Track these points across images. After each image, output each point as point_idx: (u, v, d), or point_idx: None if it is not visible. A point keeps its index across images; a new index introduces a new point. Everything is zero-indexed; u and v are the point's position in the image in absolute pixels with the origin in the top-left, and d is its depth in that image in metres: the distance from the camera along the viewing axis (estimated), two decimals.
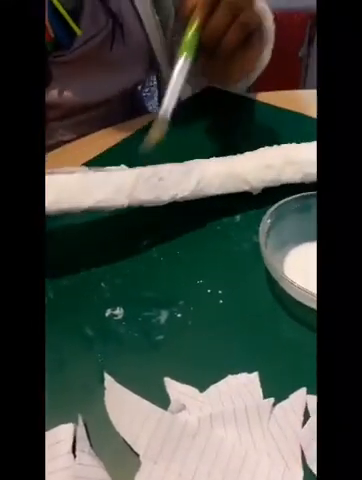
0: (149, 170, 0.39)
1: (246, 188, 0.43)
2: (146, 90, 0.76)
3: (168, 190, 0.40)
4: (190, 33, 0.39)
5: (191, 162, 0.42)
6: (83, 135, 0.56)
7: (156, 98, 0.71)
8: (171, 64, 0.58)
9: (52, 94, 0.54)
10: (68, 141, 0.56)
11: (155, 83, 0.73)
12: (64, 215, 0.38)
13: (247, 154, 0.44)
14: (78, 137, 0.56)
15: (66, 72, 0.53)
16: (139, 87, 0.71)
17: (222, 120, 0.58)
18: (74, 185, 0.37)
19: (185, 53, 0.39)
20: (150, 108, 0.75)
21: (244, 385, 0.32)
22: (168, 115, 0.39)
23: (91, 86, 0.56)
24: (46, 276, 0.39)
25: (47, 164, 0.44)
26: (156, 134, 0.39)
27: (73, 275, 0.40)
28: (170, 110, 0.39)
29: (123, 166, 0.41)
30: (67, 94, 0.55)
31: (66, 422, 0.30)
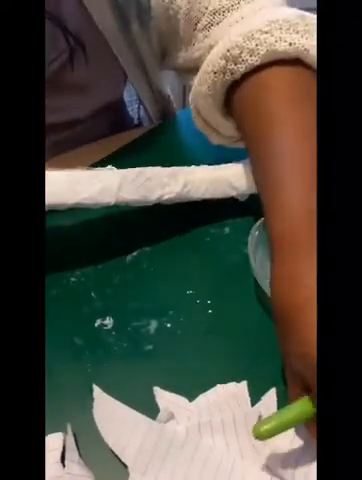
0: (136, 171, 0.40)
1: (233, 193, 0.43)
2: (130, 108, 0.76)
3: (154, 191, 0.40)
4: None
5: (178, 167, 0.43)
6: (62, 153, 0.55)
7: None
8: (144, 79, 0.55)
9: None
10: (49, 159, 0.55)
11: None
12: (55, 222, 0.38)
13: (235, 162, 0.45)
14: (58, 156, 0.55)
15: None
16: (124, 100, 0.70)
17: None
18: (61, 182, 0.37)
19: None
20: (136, 117, 0.74)
21: (233, 394, 0.33)
22: None
23: (58, 108, 0.54)
24: None
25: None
26: None
27: (63, 284, 0.40)
28: None
29: (110, 166, 0.41)
30: None
31: (55, 431, 0.30)
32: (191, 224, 0.44)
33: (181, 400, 0.32)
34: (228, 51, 0.36)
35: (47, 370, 0.33)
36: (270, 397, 0.32)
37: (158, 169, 0.41)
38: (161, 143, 0.56)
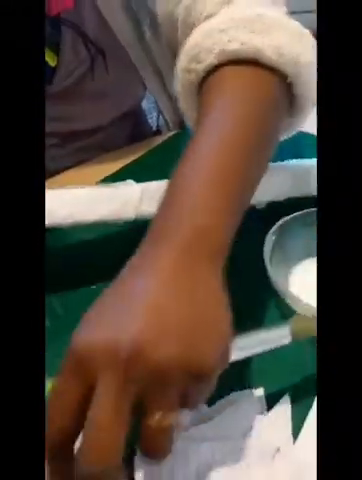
0: (155, 184, 0.40)
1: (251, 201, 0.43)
2: (149, 116, 0.76)
3: None
4: None
5: None
6: (83, 161, 0.56)
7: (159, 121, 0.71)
8: (162, 87, 0.56)
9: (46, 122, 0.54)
10: (68, 167, 0.55)
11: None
12: (75, 229, 0.39)
13: None
14: (78, 164, 0.56)
15: (51, 103, 0.54)
16: (143, 107, 0.71)
17: None
18: (82, 199, 0.38)
19: None
20: (155, 124, 0.75)
21: (249, 401, 0.32)
22: None
23: (78, 115, 0.55)
24: (55, 291, 0.40)
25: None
26: None
27: (83, 289, 0.40)
28: None
29: (130, 181, 0.42)
30: (59, 122, 0.54)
31: None
32: None
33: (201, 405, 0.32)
34: (190, 50, 0.35)
35: None
36: (283, 405, 0.31)
37: None
38: (180, 150, 0.56)
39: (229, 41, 0.33)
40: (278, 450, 0.30)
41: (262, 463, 0.28)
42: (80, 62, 0.51)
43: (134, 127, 0.66)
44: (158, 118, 0.70)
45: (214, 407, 0.32)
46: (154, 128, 0.72)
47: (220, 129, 0.30)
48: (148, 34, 0.49)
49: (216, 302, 0.25)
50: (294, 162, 0.45)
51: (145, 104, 0.73)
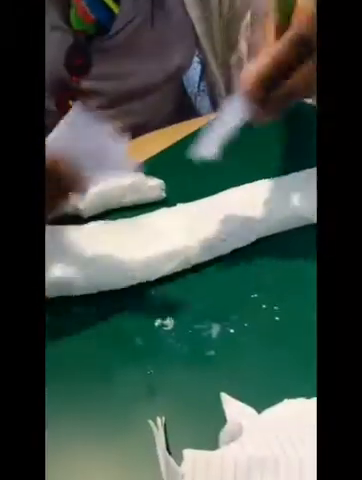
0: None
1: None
2: (191, 87, 0.74)
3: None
4: None
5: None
6: (130, 125, 0.55)
7: (205, 96, 0.69)
8: (215, 50, 0.58)
9: (94, 81, 0.53)
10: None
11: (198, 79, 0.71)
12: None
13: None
14: (125, 127, 0.54)
15: (108, 58, 0.52)
16: (185, 82, 0.69)
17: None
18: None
19: None
20: (198, 106, 0.73)
21: (301, 412, 0.30)
22: None
23: (133, 71, 0.55)
24: None
25: None
26: None
27: None
28: None
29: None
30: (110, 80, 0.54)
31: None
32: None
33: (250, 411, 0.30)
34: None
35: (105, 367, 0.33)
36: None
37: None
38: None
39: None
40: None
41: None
42: (139, 10, 0.51)
43: (178, 100, 0.65)
44: (197, 99, 0.68)
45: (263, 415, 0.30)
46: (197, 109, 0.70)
47: None
48: None
49: None
50: None
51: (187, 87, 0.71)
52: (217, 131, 0.34)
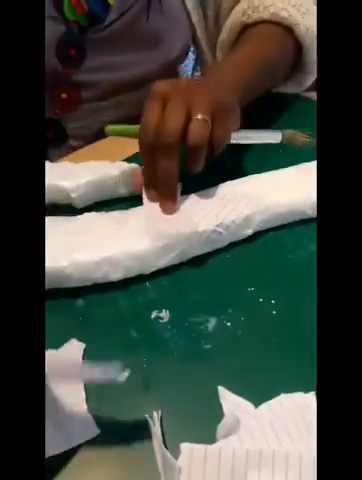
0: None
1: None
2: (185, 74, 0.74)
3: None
4: None
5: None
6: (124, 116, 0.54)
7: None
8: (210, 41, 0.59)
9: (87, 72, 0.52)
10: (110, 122, 0.54)
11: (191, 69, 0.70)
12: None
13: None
14: (120, 119, 0.54)
15: (101, 49, 0.52)
16: (179, 68, 0.69)
17: None
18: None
19: None
20: None
21: (298, 407, 0.30)
22: None
23: (128, 62, 0.54)
24: None
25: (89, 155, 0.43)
26: None
27: None
28: None
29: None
30: (103, 72, 0.53)
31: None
32: None
33: (247, 405, 0.29)
34: (251, 2, 0.50)
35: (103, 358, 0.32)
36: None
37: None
38: None
39: (282, 9, 0.49)
40: None
41: None
42: (135, 1, 0.50)
43: None
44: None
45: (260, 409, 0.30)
46: None
47: (243, 55, 0.47)
48: None
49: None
50: None
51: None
52: None
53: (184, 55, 0.62)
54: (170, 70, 0.60)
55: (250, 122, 0.41)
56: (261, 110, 0.48)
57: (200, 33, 0.58)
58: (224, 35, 0.54)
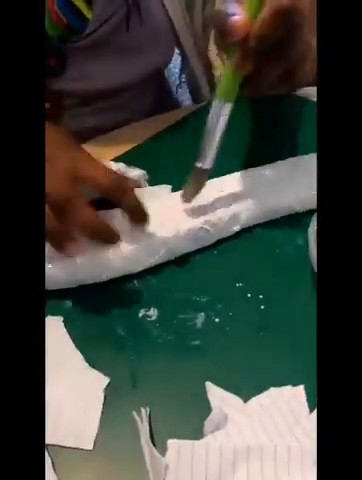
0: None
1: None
2: (172, 78, 0.74)
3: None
4: (226, 75, 0.34)
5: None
6: (107, 123, 0.54)
7: (182, 90, 0.68)
8: (197, 45, 0.58)
9: (68, 81, 0.52)
10: (91, 128, 0.54)
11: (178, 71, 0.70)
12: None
13: None
14: (101, 125, 0.54)
15: (81, 58, 0.51)
16: (166, 73, 0.69)
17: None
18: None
19: (223, 98, 0.34)
20: (179, 98, 0.72)
21: (287, 400, 0.30)
22: (207, 166, 0.36)
23: (108, 71, 0.53)
24: None
25: None
26: (194, 187, 0.38)
27: None
28: (209, 160, 0.36)
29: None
30: (83, 81, 0.53)
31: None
32: None
33: (235, 400, 0.29)
34: None
35: (88, 361, 0.32)
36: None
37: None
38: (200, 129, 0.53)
39: None
40: None
41: None
42: (115, 10, 0.49)
43: (159, 93, 0.64)
44: (177, 90, 0.68)
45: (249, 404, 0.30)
46: (178, 102, 0.69)
47: None
48: None
49: None
50: None
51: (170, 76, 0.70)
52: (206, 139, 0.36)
53: (167, 63, 0.61)
54: (153, 77, 0.59)
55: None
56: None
57: (184, 39, 0.57)
58: None
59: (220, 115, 0.35)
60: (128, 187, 0.36)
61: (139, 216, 0.35)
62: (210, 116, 0.35)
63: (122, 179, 0.36)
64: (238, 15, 0.31)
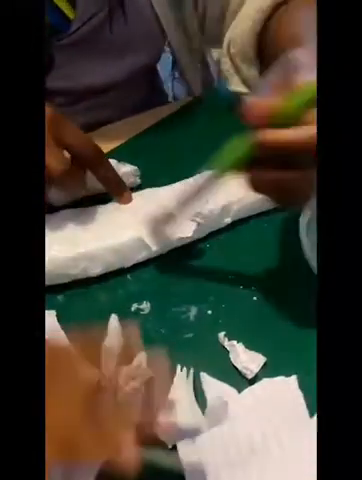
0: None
1: None
2: (167, 74, 0.73)
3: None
4: (240, 146, 0.29)
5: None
6: (96, 120, 0.54)
7: (177, 83, 0.68)
8: (186, 44, 0.57)
9: (56, 80, 0.52)
10: (81, 126, 0.53)
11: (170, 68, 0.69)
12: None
13: None
14: (91, 122, 0.53)
15: (67, 56, 0.51)
16: (159, 68, 0.68)
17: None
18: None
19: (222, 168, 0.30)
20: (170, 94, 0.71)
21: (280, 391, 0.30)
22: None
23: (94, 69, 0.53)
24: None
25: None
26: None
27: None
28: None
29: None
30: (71, 79, 0.53)
31: None
32: None
33: (230, 390, 0.29)
34: None
35: None
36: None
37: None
38: (193, 122, 0.52)
39: None
40: None
41: None
42: (98, 9, 0.49)
43: (149, 89, 0.63)
44: (173, 85, 0.67)
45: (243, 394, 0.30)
46: (170, 98, 0.69)
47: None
48: None
49: None
50: None
51: (162, 72, 0.70)
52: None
53: (156, 59, 0.61)
54: (145, 72, 0.59)
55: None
56: None
57: (174, 37, 0.56)
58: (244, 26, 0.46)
59: (208, 185, 0.32)
60: (105, 159, 0.38)
61: (117, 186, 0.39)
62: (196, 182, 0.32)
63: (99, 151, 0.38)
64: (265, 98, 0.27)
